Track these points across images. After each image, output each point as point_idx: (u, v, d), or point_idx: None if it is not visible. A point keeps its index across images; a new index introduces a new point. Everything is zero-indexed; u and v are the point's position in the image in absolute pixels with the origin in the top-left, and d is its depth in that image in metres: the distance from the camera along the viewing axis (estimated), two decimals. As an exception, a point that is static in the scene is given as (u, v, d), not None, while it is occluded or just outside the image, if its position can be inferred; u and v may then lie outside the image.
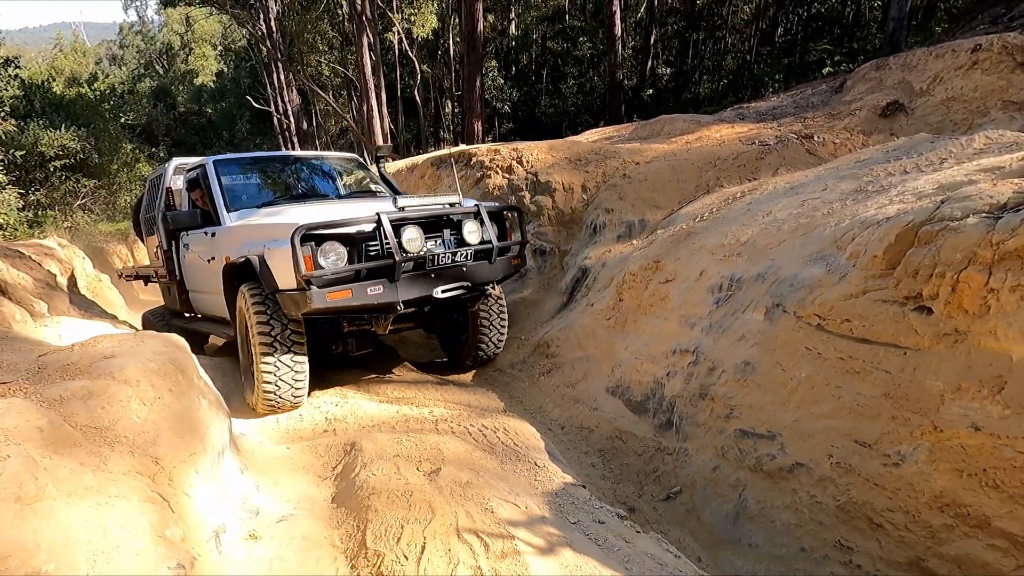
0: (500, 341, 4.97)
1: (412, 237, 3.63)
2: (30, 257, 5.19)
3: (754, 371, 3.30)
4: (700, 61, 24.82)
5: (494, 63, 25.11)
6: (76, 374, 1.93)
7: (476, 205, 4.13)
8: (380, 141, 17.17)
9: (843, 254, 3.13)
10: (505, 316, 4.92)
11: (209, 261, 4.34)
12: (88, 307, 6.01)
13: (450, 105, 29.83)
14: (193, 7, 26.35)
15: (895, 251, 2.79)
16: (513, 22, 27.91)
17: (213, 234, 4.27)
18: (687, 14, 24.33)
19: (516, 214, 4.77)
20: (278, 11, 19.40)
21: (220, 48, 33.20)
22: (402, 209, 3.68)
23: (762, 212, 4.02)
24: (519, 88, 26.20)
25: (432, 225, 3.91)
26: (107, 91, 18.87)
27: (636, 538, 2.36)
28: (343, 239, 3.53)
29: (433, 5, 18.65)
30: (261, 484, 2.50)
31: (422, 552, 1.93)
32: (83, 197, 12.45)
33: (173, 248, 5.05)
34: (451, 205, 4.01)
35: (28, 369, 2.00)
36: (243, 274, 3.96)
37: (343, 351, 4.40)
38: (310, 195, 4.80)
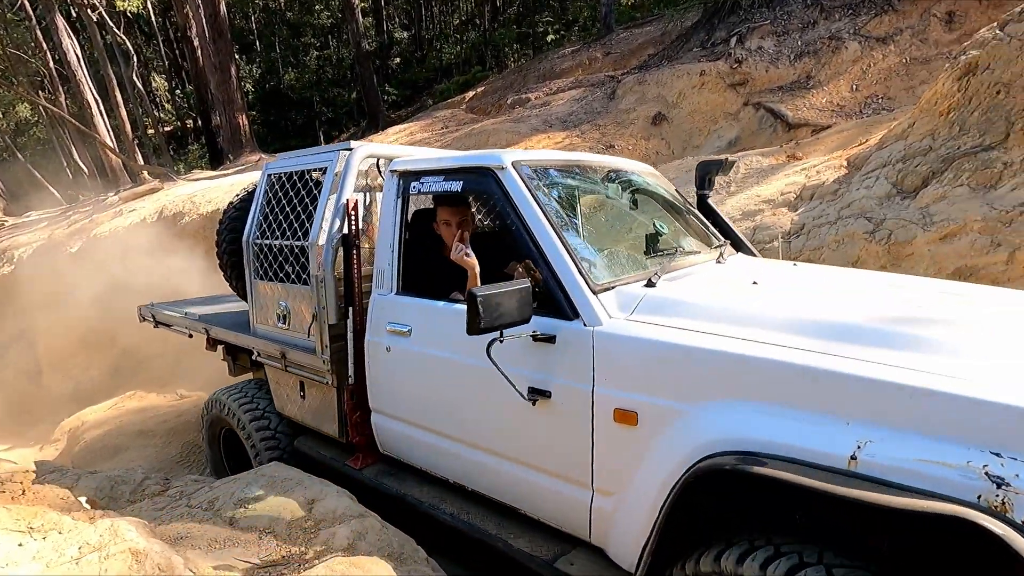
0: None
1: None
2: None
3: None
4: (440, 29, 25.79)
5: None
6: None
7: None
8: (107, 139, 14.27)
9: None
10: None
11: (536, 400, 1.90)
12: None
13: (159, 81, 25.25)
14: None
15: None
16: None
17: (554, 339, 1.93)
18: (417, -20, 24.80)
19: None
20: None
21: None
22: None
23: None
24: (252, 61, 23.62)
25: None
26: None
27: None
28: None
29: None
30: None
31: None
32: None
33: (351, 327, 2.58)
34: None
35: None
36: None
37: None
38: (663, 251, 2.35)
